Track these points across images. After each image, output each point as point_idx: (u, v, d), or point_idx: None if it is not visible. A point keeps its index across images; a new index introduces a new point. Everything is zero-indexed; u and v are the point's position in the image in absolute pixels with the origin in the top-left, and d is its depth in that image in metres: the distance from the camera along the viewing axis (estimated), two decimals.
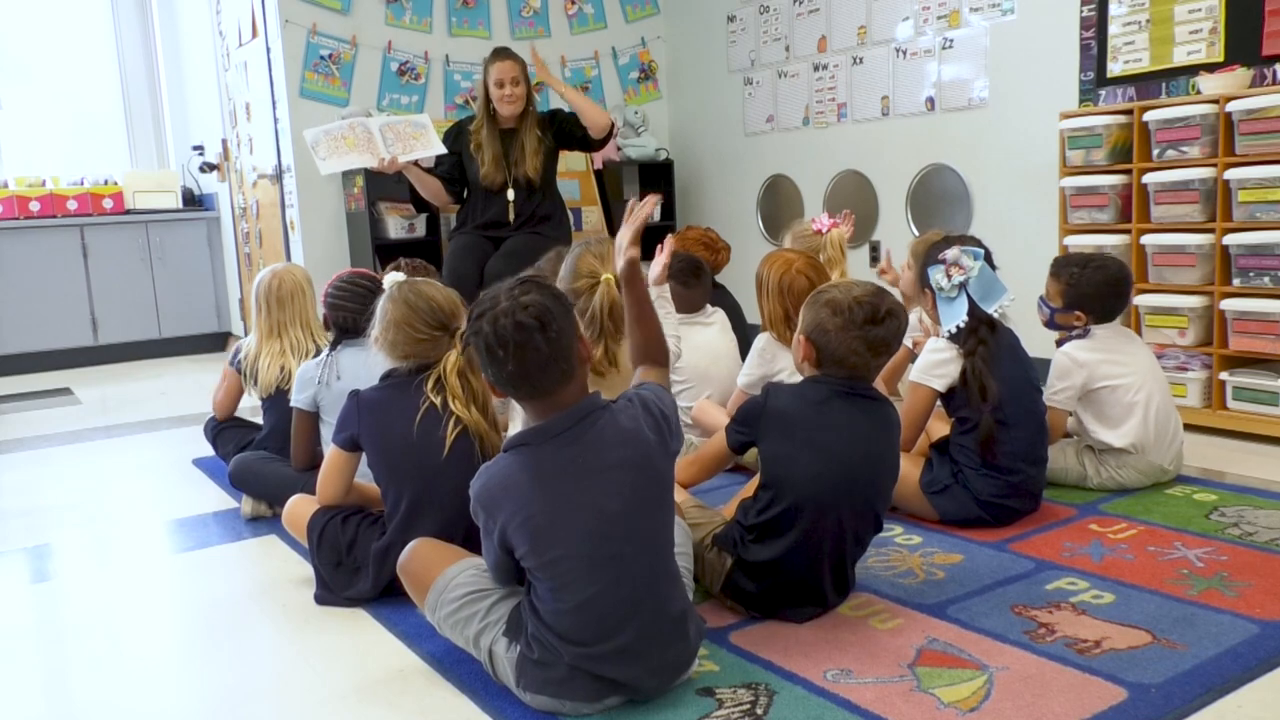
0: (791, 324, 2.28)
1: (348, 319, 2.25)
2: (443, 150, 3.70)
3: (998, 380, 2.04)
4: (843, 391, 1.67)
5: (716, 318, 2.82)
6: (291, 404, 2.26)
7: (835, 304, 1.66)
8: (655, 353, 1.61)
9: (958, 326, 2.06)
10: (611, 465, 1.37)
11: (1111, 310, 2.35)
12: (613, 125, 3.73)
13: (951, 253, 2.07)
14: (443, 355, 1.82)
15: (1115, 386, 2.27)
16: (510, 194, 3.62)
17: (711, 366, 2.71)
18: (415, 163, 3.64)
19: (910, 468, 2.14)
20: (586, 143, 3.68)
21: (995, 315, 2.08)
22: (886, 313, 1.65)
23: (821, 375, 1.69)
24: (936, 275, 2.08)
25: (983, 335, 2.06)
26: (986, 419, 2.03)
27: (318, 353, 2.43)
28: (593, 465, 1.36)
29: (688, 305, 2.74)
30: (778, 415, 1.66)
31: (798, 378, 1.78)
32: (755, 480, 1.75)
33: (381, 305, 1.85)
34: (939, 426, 2.25)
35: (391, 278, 1.88)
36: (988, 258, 2.10)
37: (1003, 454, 2.05)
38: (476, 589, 1.50)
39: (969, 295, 2.06)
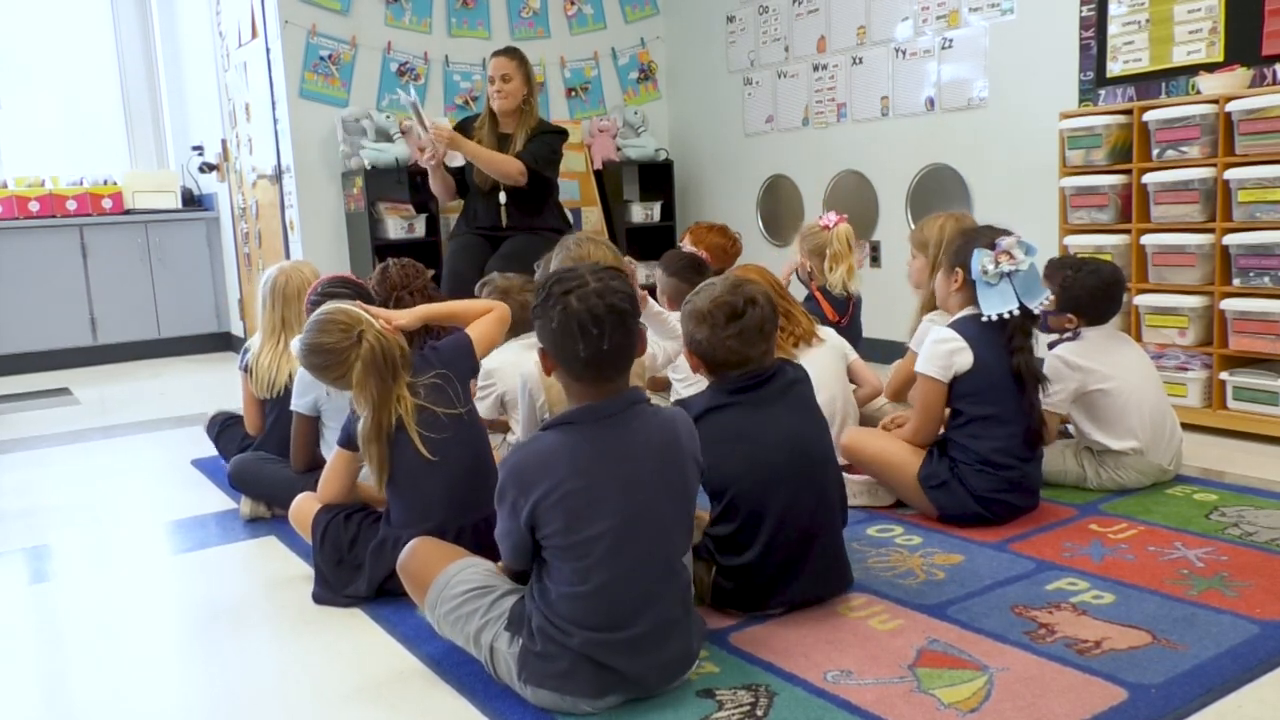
0: None
1: None
2: (461, 161, 3.71)
3: (996, 378, 2.04)
4: (743, 386, 1.69)
5: None
6: (292, 407, 2.25)
7: (698, 313, 1.70)
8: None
9: (999, 315, 2.03)
10: (649, 456, 1.39)
11: (1104, 314, 2.34)
12: (524, 173, 3.57)
13: (1009, 240, 2.04)
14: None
15: (1108, 390, 2.27)
16: (502, 197, 3.63)
17: None
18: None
19: (911, 459, 2.14)
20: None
21: (1037, 312, 2.05)
22: (746, 303, 1.68)
23: (718, 378, 1.72)
24: (984, 259, 2.04)
25: (1025, 333, 2.05)
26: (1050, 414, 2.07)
27: None
28: (632, 452, 1.38)
29: None
30: (697, 424, 1.67)
31: None
32: None
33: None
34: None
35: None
36: None
37: (998, 451, 2.05)
38: (477, 586, 1.50)
39: (1014, 289, 2.02)
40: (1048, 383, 2.13)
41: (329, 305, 1.84)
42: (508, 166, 3.56)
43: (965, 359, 2.05)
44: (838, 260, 2.78)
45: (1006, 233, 2.08)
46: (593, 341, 1.34)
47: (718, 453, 1.65)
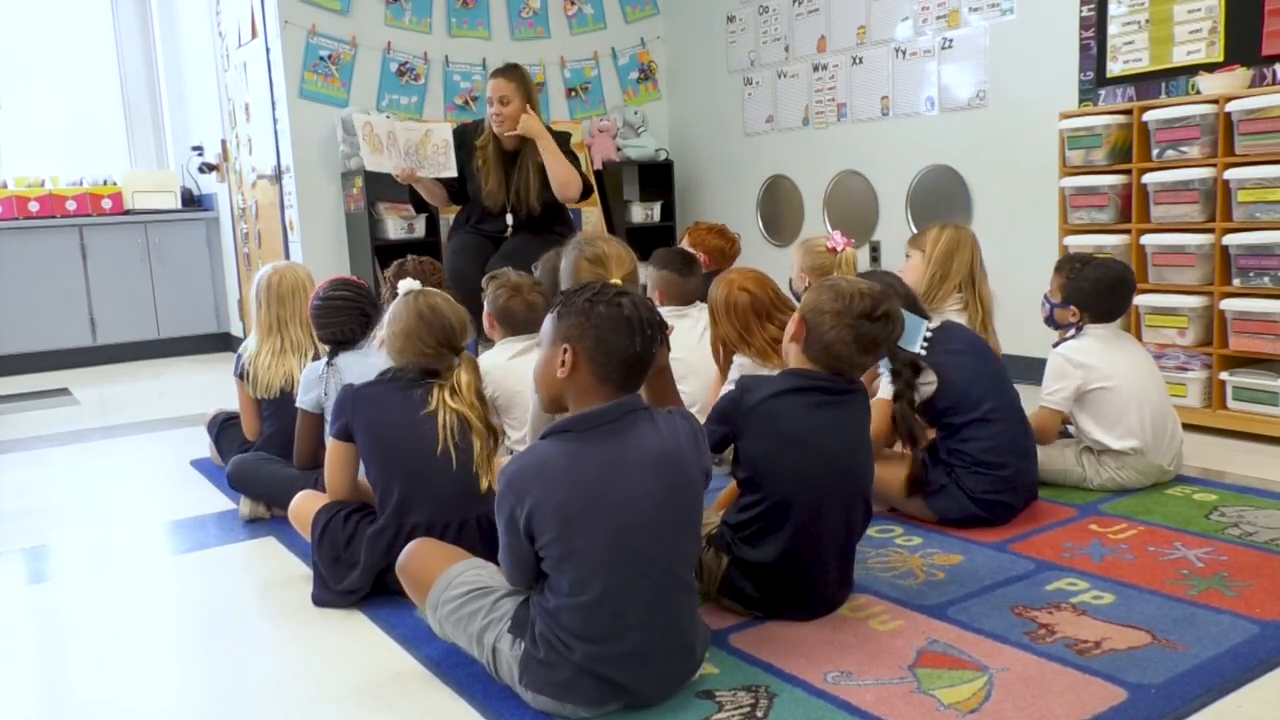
0: (746, 340, 2.26)
1: (337, 333, 2.25)
2: (454, 173, 3.59)
3: (966, 381, 2.05)
4: (824, 386, 1.66)
5: (701, 318, 2.79)
6: (297, 404, 2.26)
7: (838, 290, 1.65)
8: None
9: (892, 370, 2.04)
10: (648, 464, 1.38)
11: (1109, 311, 2.34)
12: (586, 193, 3.53)
13: None
14: (445, 366, 1.82)
15: (1109, 388, 2.27)
16: (509, 218, 3.55)
17: (697, 360, 2.70)
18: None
19: (901, 471, 2.13)
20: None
21: (920, 351, 2.04)
22: (883, 313, 1.64)
23: (804, 368, 1.68)
24: None
25: (908, 378, 2.02)
26: (915, 460, 2.06)
27: (317, 355, 2.43)
28: (630, 461, 1.37)
29: (682, 296, 2.72)
30: (757, 411, 1.64)
31: None
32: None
33: (394, 309, 1.85)
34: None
35: (405, 284, 1.88)
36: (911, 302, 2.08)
37: (990, 450, 2.05)
38: (479, 586, 1.50)
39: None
40: (918, 438, 2.04)
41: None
42: (573, 189, 3.45)
43: (928, 381, 2.04)
44: None
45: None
46: (645, 342, 1.39)
47: (767, 444, 1.63)
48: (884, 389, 2.13)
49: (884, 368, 2.11)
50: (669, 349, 1.74)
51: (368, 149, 3.59)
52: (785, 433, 1.63)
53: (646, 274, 2.82)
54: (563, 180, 3.44)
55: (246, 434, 2.59)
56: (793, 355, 1.71)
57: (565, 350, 1.39)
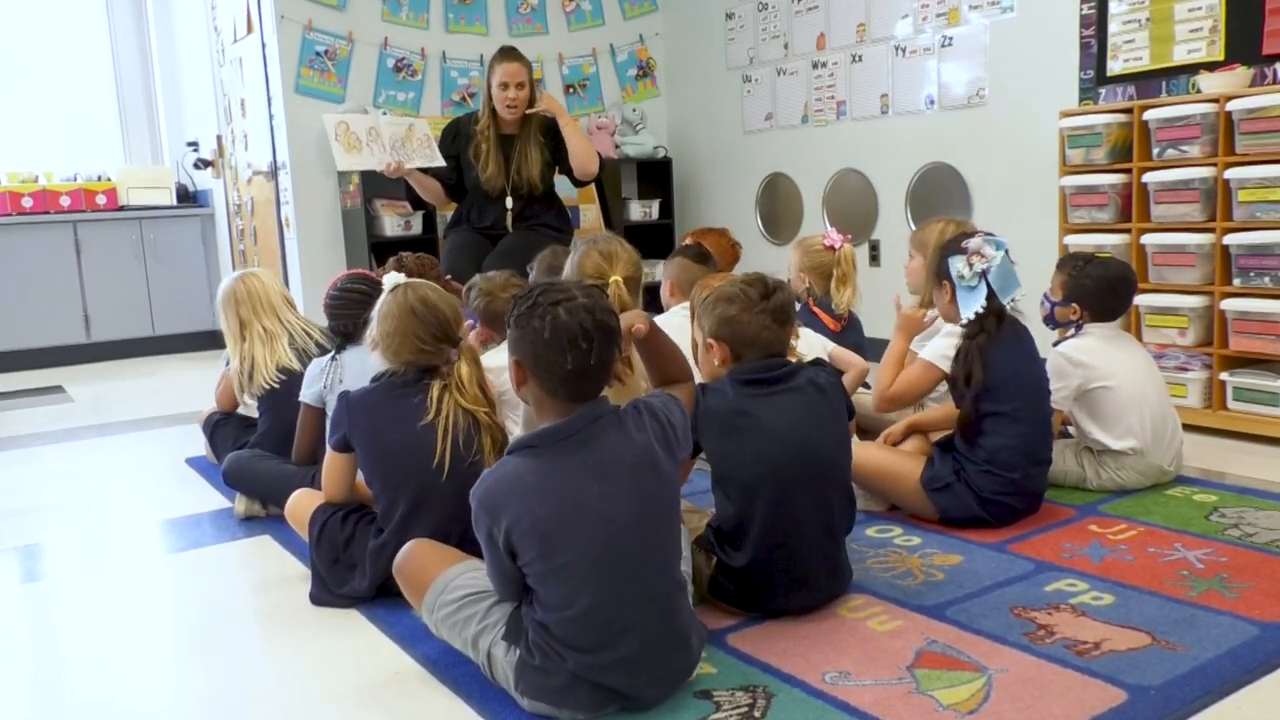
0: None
1: (348, 325, 2.25)
2: (441, 161, 3.59)
3: (1010, 374, 2.05)
4: (764, 378, 1.67)
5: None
6: (300, 398, 2.25)
7: (729, 296, 1.69)
8: (678, 374, 1.71)
9: (975, 313, 2.06)
10: (620, 470, 1.35)
11: (1109, 310, 2.35)
12: (600, 170, 3.57)
13: (974, 241, 2.08)
14: (444, 360, 1.78)
15: (1110, 387, 2.27)
16: (509, 202, 3.55)
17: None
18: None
19: (912, 465, 2.13)
20: (570, 173, 3.55)
21: (1008, 308, 2.08)
22: (775, 285, 1.70)
23: (742, 365, 1.69)
24: (958, 264, 2.08)
25: (988, 325, 2.06)
26: (967, 405, 2.05)
27: (293, 340, 2.45)
28: (601, 469, 1.34)
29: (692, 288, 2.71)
30: (710, 413, 1.66)
31: None
32: None
33: (381, 308, 1.79)
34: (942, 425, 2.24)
35: (391, 279, 1.82)
36: None
37: (1005, 450, 2.04)
38: (475, 590, 1.48)
39: (988, 284, 2.06)
40: (975, 377, 2.05)
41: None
42: (594, 164, 3.49)
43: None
44: (844, 283, 2.77)
45: (972, 234, 2.11)
46: (580, 355, 1.33)
47: (721, 440, 1.64)
48: (930, 348, 2.13)
49: (942, 334, 2.11)
50: (645, 329, 1.70)
51: (341, 149, 3.58)
52: (737, 426, 1.65)
53: (662, 268, 2.81)
54: (586, 154, 3.47)
55: (217, 401, 2.73)
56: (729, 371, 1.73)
57: (514, 364, 1.39)
